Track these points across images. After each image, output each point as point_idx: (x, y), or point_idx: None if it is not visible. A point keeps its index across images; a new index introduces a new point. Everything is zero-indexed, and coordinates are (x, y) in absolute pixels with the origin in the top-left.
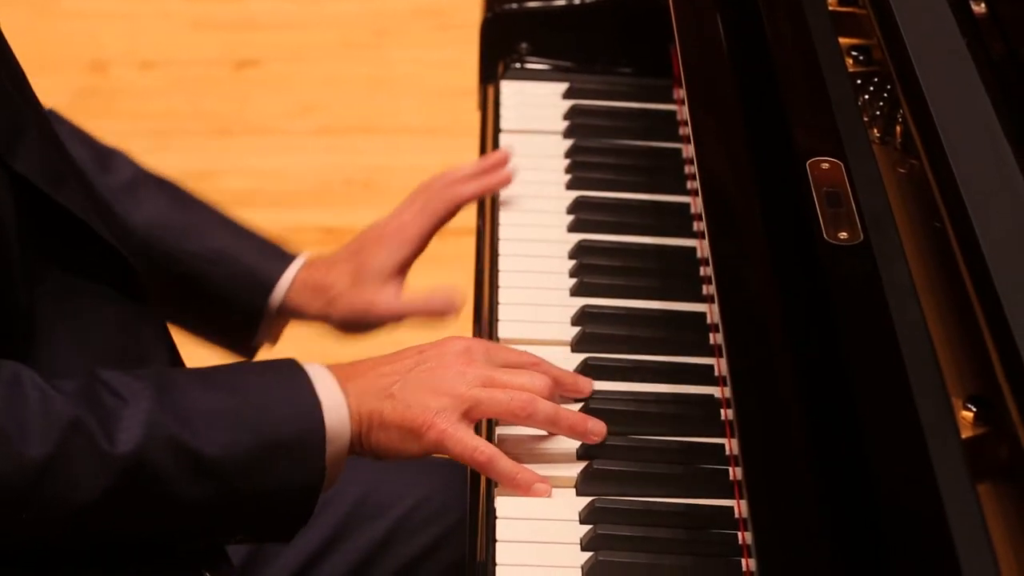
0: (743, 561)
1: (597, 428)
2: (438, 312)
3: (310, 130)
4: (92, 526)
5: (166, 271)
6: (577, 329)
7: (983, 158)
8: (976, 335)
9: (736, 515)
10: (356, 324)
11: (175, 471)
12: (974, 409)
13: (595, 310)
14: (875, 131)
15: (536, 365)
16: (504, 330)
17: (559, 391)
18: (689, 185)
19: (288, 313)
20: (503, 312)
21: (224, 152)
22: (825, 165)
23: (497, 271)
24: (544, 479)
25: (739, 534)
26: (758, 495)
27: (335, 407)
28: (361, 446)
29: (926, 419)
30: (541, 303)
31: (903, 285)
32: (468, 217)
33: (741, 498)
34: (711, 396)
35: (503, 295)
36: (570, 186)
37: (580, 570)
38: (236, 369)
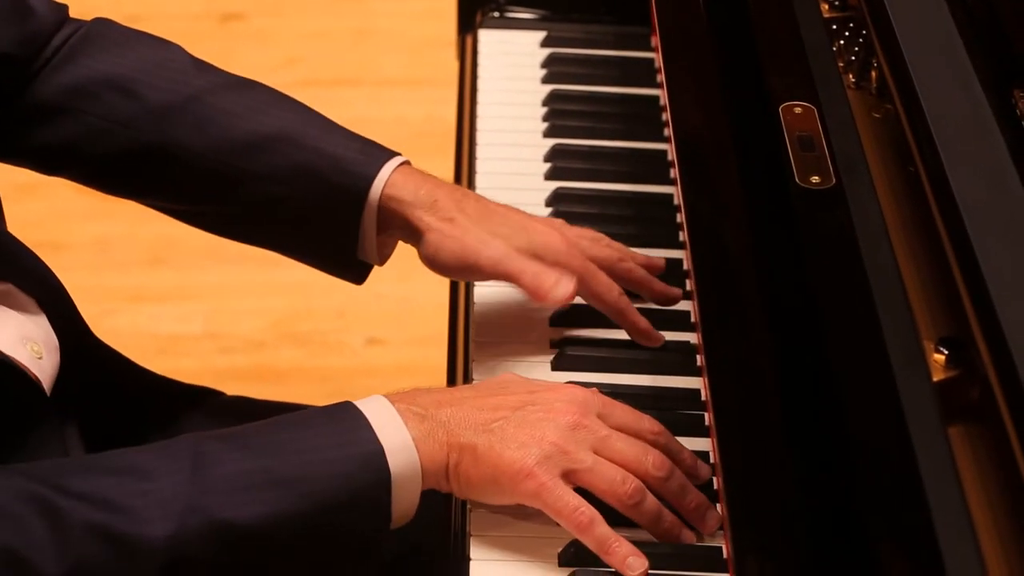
0: (717, 506)
1: (689, 539)
2: (538, 295)
3: (294, 82)
4: None
5: (238, 199)
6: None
7: (956, 103)
8: (948, 279)
9: (711, 459)
10: (448, 266)
11: (218, 551)
12: (945, 352)
13: None
14: (850, 76)
15: (657, 435)
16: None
17: (672, 470)
18: (666, 132)
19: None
20: None
21: None
22: (798, 110)
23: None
24: (639, 554)
25: (714, 479)
26: (727, 436)
27: (400, 447)
28: (447, 480)
29: (897, 362)
30: None
31: (875, 228)
32: (443, 168)
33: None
34: (687, 342)
35: None
36: (547, 134)
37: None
38: (285, 424)
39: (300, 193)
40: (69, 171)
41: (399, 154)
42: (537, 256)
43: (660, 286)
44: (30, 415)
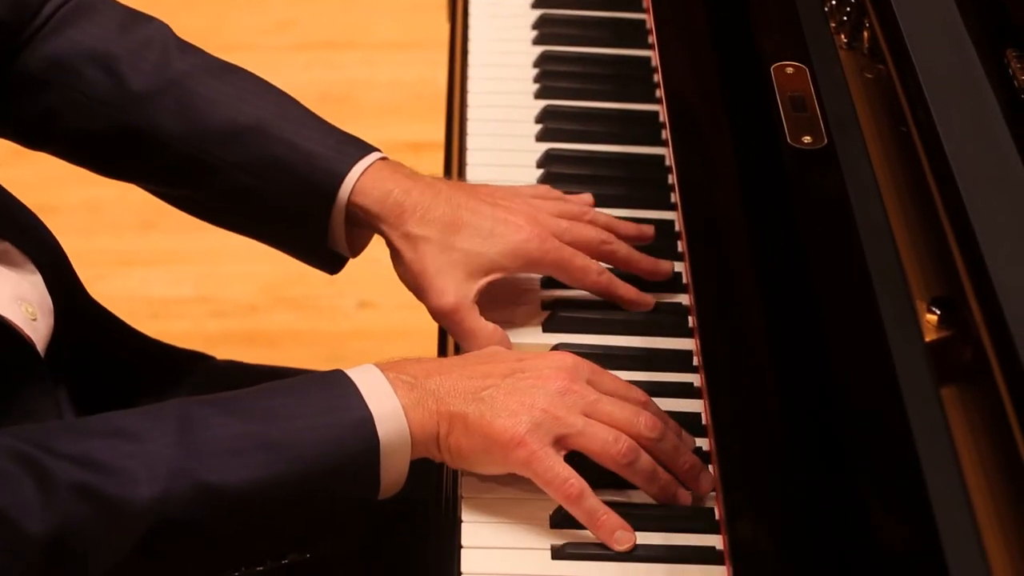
0: (709, 467)
1: (685, 498)
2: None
3: (286, 46)
4: None
5: (211, 186)
6: None
7: (949, 63)
8: (941, 239)
9: (704, 420)
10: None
11: (205, 516)
12: (938, 312)
13: None
14: (842, 37)
15: (645, 404)
16: None
17: (664, 431)
18: (658, 93)
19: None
20: None
21: None
22: (790, 70)
23: (465, 182)
24: (628, 527)
25: (706, 441)
26: (719, 397)
27: (389, 414)
28: (438, 449)
29: (889, 322)
30: None
31: (867, 188)
32: (436, 131)
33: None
34: (679, 304)
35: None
36: (538, 95)
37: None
38: (275, 390)
39: (271, 186)
40: (49, 146)
41: (376, 150)
42: (503, 268)
43: (647, 264)
44: (23, 376)
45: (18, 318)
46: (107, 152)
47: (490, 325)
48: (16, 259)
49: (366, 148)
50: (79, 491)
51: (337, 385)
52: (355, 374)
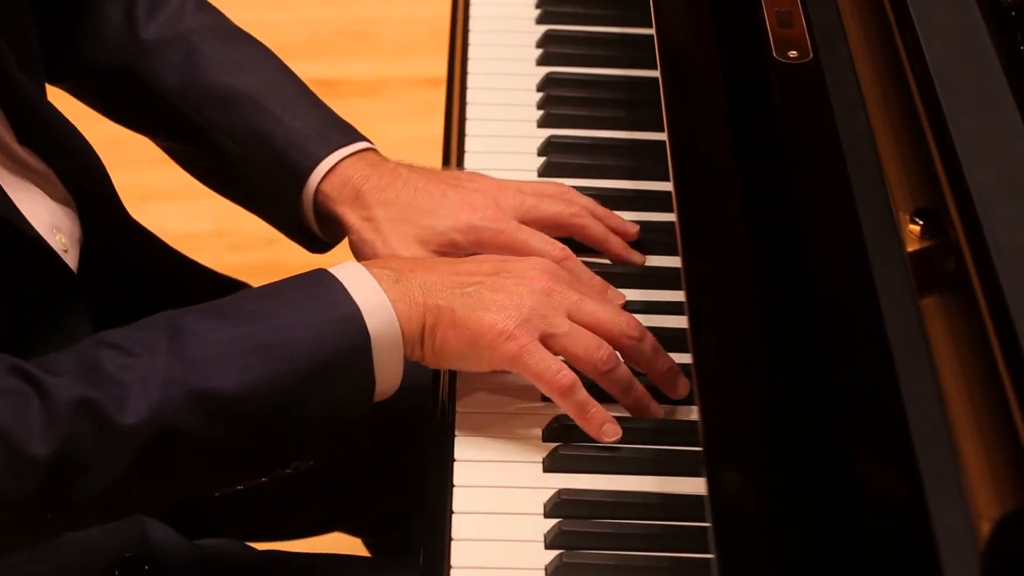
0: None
1: (657, 411)
2: None
3: None
4: (131, 498)
5: (198, 144)
6: (543, 159)
7: None
8: (925, 152)
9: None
10: None
11: (203, 423)
12: (920, 222)
13: (561, 140)
14: None
15: (623, 306)
16: (470, 161)
17: (644, 332)
18: None
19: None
20: (470, 144)
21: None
22: None
23: (465, 104)
24: (615, 422)
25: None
26: (700, 309)
27: (377, 308)
28: (422, 345)
29: (870, 232)
30: (509, 135)
31: (852, 102)
32: (439, 66)
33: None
34: (671, 222)
35: (471, 127)
36: (540, 21)
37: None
38: (260, 293)
39: (251, 156)
40: (66, 80)
41: (361, 139)
42: (454, 244)
43: (619, 247)
44: (64, 303)
45: (55, 246)
46: (112, 94)
47: None
48: (55, 187)
49: (350, 136)
50: (79, 407)
51: (321, 283)
52: (338, 271)
